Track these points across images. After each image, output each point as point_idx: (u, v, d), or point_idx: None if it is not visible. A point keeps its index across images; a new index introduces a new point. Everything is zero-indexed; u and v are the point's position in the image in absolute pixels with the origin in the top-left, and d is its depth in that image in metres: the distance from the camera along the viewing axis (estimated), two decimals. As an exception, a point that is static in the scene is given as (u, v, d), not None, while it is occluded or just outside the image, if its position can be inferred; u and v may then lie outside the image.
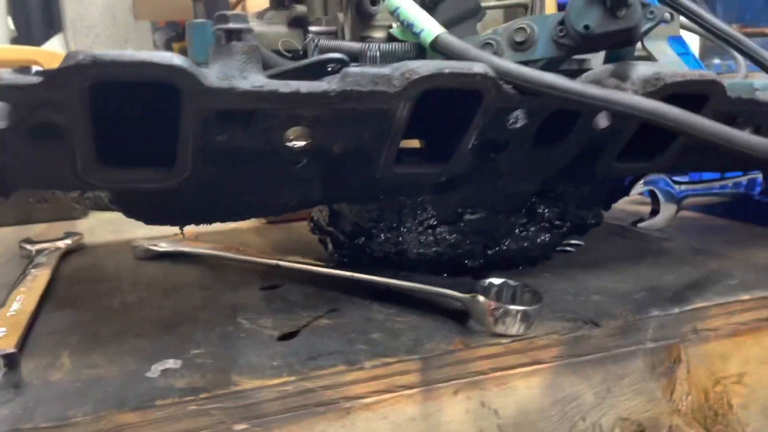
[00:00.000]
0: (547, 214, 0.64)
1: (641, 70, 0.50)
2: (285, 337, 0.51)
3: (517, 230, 0.63)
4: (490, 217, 0.58)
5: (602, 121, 0.48)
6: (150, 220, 0.51)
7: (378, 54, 0.50)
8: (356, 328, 0.51)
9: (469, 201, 0.57)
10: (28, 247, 0.84)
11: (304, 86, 0.41)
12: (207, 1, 0.62)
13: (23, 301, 0.61)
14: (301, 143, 0.44)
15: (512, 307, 0.48)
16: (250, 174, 0.49)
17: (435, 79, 0.42)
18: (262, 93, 0.40)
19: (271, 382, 0.43)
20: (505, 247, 0.62)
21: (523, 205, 0.60)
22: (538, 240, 0.64)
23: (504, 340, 0.48)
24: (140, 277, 0.71)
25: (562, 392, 0.50)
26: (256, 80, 0.40)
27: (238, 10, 0.43)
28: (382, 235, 0.59)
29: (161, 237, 0.83)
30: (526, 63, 0.50)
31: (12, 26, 1.38)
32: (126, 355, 0.49)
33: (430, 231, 0.58)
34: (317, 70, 0.49)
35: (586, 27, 0.45)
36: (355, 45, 0.51)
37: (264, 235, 0.90)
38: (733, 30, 0.56)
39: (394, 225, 0.59)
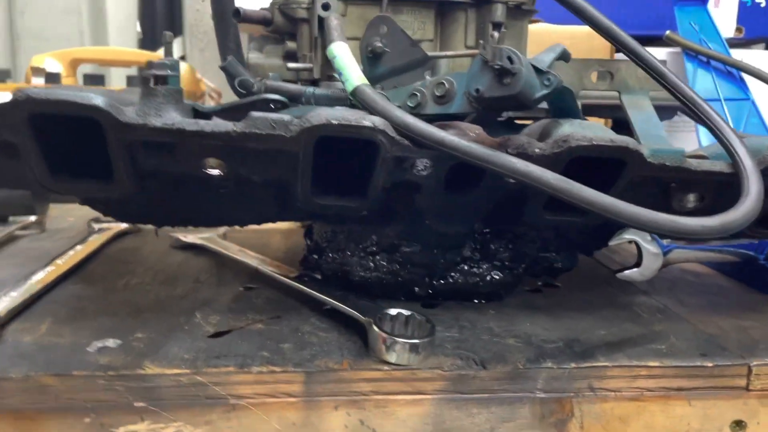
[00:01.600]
0: (500, 253, 0.66)
1: (562, 129, 0.52)
2: (215, 335, 0.59)
3: (465, 266, 0.66)
4: (425, 252, 0.62)
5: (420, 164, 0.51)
6: (118, 216, 0.61)
7: (313, 97, 0.56)
8: (277, 335, 0.58)
9: (404, 234, 0.61)
10: (94, 225, 0.99)
11: (209, 126, 0.48)
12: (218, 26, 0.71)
13: (49, 272, 0.74)
14: (216, 171, 0.51)
15: (400, 339, 0.53)
16: (194, 191, 0.57)
17: (326, 129, 0.48)
18: (171, 130, 0.47)
19: (170, 371, 0.51)
20: (452, 280, 0.66)
21: (460, 244, 0.63)
22: (489, 278, 0.66)
23: (386, 367, 0.52)
24: (158, 263, 0.83)
25: (444, 425, 0.53)
26: (168, 119, 0.48)
27: (168, 58, 0.50)
28: (331, 254, 0.65)
29: (195, 230, 0.94)
30: (448, 116, 0.54)
31: (139, 29, 1.58)
32: (88, 330, 0.59)
33: (370, 257, 0.63)
34: (261, 107, 0.56)
35: (477, 90, 0.48)
36: (296, 87, 0.57)
37: (289, 237, 0.99)
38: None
39: (341, 247, 0.64)
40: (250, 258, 0.79)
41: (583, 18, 0.58)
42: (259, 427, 0.52)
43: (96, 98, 0.46)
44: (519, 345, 0.57)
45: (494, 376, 0.53)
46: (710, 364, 0.54)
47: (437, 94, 0.53)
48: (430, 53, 0.59)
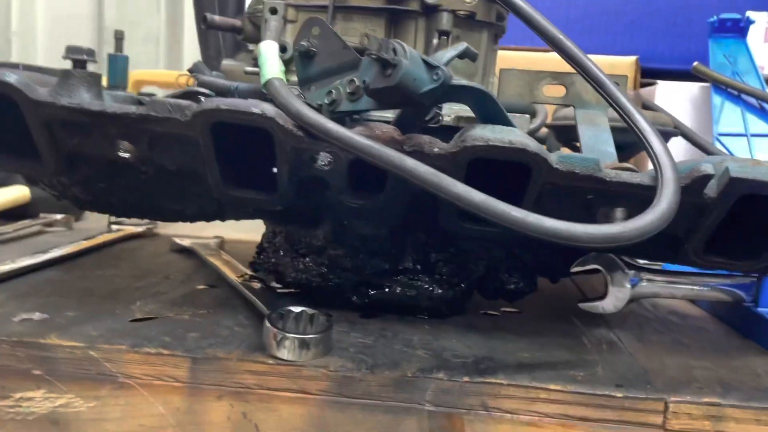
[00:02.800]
0: (441, 266, 0.64)
1: (470, 131, 0.51)
2: (137, 320, 0.60)
3: (404, 277, 0.64)
4: (351, 256, 0.61)
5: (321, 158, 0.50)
6: (73, 202, 0.65)
7: (237, 92, 0.58)
8: (193, 326, 0.59)
9: (331, 236, 0.61)
10: (112, 226, 1.05)
11: (111, 108, 0.50)
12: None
13: (38, 259, 0.80)
14: (127, 155, 0.53)
15: (290, 334, 0.52)
16: (127, 179, 0.60)
17: (218, 113, 0.49)
18: (77, 109, 0.50)
19: (67, 344, 0.53)
20: (389, 291, 0.64)
21: (388, 250, 0.61)
22: (430, 292, 0.64)
23: (271, 361, 0.51)
24: (144, 261, 0.87)
25: (327, 427, 0.51)
26: (77, 99, 0.51)
27: (86, 47, 0.54)
28: (270, 254, 0.66)
29: (196, 236, 0.98)
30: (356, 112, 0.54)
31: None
32: (29, 304, 0.62)
33: (300, 258, 0.63)
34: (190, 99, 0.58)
35: (364, 82, 0.48)
36: (226, 82, 0.59)
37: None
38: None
39: (278, 248, 0.65)
40: (221, 262, 0.81)
41: (522, 18, 0.56)
42: (144, 408, 0.52)
43: (9, 76, 0.49)
44: (425, 357, 0.54)
45: (381, 382, 0.51)
46: (620, 395, 0.49)
47: (348, 90, 0.53)
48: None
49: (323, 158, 0.52)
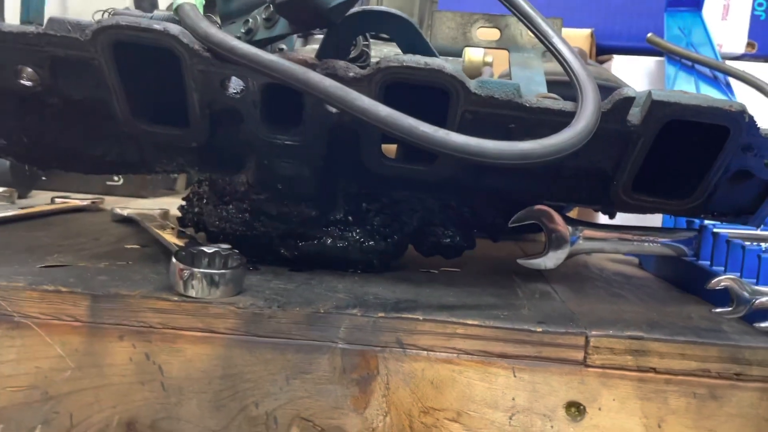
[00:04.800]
0: (372, 217, 0.61)
1: (385, 57, 0.48)
2: (46, 267, 0.57)
3: (334, 228, 0.61)
4: (275, 202, 0.58)
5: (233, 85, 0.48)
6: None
7: (152, 17, 0.55)
8: (104, 271, 0.56)
9: (253, 182, 0.58)
10: (57, 200, 1.02)
11: (6, 27, 0.48)
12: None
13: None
14: (30, 83, 0.50)
15: (197, 269, 0.49)
16: (39, 116, 0.57)
17: (117, 30, 0.46)
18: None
19: (-39, 282, 0.50)
20: (318, 243, 0.61)
21: (314, 196, 0.59)
22: (361, 243, 0.61)
23: (175, 298, 0.48)
24: (81, 228, 0.83)
25: (235, 368, 0.48)
26: (-28, 19, 0.48)
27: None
28: (195, 205, 0.63)
29: (139, 207, 0.94)
30: (272, 40, 0.51)
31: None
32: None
33: (223, 206, 0.60)
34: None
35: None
36: (139, 13, 0.56)
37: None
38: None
39: (201, 196, 0.62)
40: (158, 228, 0.78)
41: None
42: (41, 350, 0.49)
43: None
44: (344, 298, 0.52)
45: (292, 319, 0.48)
46: (539, 330, 0.46)
47: (263, 17, 0.51)
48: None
49: (235, 85, 0.50)
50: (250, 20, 0.52)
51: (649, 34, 0.97)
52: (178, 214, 0.71)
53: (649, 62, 1.01)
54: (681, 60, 0.93)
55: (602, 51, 1.09)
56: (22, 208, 0.90)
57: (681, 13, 1.00)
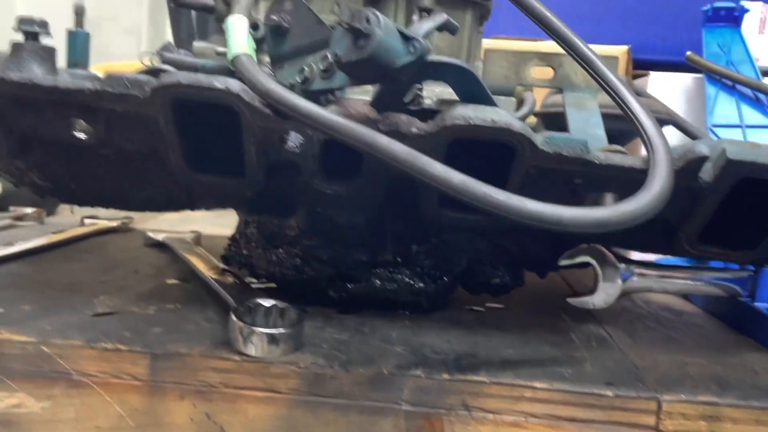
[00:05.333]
0: (421, 259, 0.60)
1: (452, 111, 0.47)
2: (97, 315, 0.56)
3: (383, 270, 0.60)
4: (326, 247, 0.57)
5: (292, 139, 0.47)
6: (33, 190, 0.61)
7: (203, 69, 0.54)
8: (158, 321, 0.55)
9: (304, 226, 0.57)
10: (86, 220, 1.01)
11: (64, 83, 0.47)
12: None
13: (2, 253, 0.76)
14: (83, 135, 0.49)
15: (258, 328, 0.48)
16: (87, 164, 0.56)
17: (179, 88, 0.45)
18: (28, 84, 0.46)
19: (18, 338, 0.49)
20: (367, 285, 0.60)
21: (365, 240, 0.58)
22: (410, 286, 0.60)
23: (236, 357, 0.48)
24: (115, 255, 0.83)
25: (297, 430, 0.48)
26: (27, 73, 0.47)
27: (39, 18, 0.50)
28: (242, 246, 0.62)
29: (171, 231, 0.94)
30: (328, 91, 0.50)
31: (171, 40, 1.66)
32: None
33: (273, 250, 0.59)
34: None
35: (336, 55, 0.44)
36: (192, 60, 0.55)
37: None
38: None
39: (250, 239, 0.61)
40: (194, 256, 0.77)
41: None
42: (101, 409, 0.49)
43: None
44: (403, 353, 0.51)
45: (355, 380, 0.47)
46: (611, 394, 0.45)
47: (321, 68, 0.50)
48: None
49: (294, 139, 0.49)
50: (306, 69, 0.51)
51: (688, 53, 0.95)
52: (221, 247, 0.70)
53: (686, 79, 0.99)
54: (721, 80, 0.92)
55: (638, 65, 1.07)
56: (54, 233, 0.90)
57: (720, 29, 0.98)
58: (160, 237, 0.90)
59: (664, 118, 0.71)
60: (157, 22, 1.78)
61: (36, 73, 0.47)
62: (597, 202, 0.49)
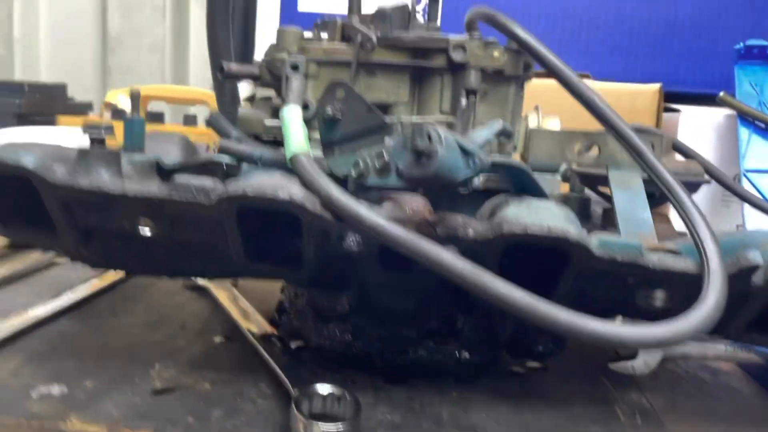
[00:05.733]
0: (467, 331, 0.62)
1: (506, 211, 0.49)
2: (158, 392, 0.58)
3: (430, 341, 0.62)
4: (377, 325, 0.59)
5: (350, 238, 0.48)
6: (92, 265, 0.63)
7: (260, 160, 0.55)
8: (215, 399, 0.57)
9: (355, 304, 0.59)
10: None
11: (132, 190, 0.48)
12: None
13: (50, 306, 0.78)
14: (148, 231, 0.51)
15: (321, 424, 0.50)
16: (144, 245, 0.57)
17: (244, 199, 0.47)
18: (97, 191, 0.48)
19: (90, 429, 0.51)
20: (414, 357, 0.62)
21: (415, 319, 0.59)
22: (457, 357, 0.62)
23: (299, 450, 0.50)
24: (159, 303, 0.85)
25: None
26: (96, 180, 0.49)
27: (104, 122, 0.51)
28: (292, 316, 0.64)
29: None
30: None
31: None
32: (45, 371, 0.61)
33: (323, 325, 0.61)
34: (214, 168, 0.56)
35: (397, 168, 0.46)
36: (248, 149, 0.57)
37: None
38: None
39: (301, 310, 0.63)
40: (236, 310, 0.79)
41: (556, 77, 0.54)
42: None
43: (25, 157, 0.47)
44: (454, 436, 0.53)
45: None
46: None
47: (377, 165, 0.51)
48: (391, 117, 0.57)
49: (352, 238, 0.50)
50: (361, 163, 0.52)
51: (720, 94, 0.95)
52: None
53: (718, 116, 1.00)
54: (755, 121, 0.92)
55: (669, 98, 1.07)
56: (96, 276, 0.92)
57: (752, 67, 0.98)
58: (200, 281, 0.92)
59: (702, 181, 0.72)
60: (181, 40, 1.79)
61: (104, 178, 0.49)
62: (647, 296, 0.50)
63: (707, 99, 1.07)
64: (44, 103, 1.38)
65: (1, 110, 1.32)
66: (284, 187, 0.47)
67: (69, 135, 1.08)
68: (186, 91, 1.44)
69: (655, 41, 1.08)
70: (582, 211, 0.66)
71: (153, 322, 0.77)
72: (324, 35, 0.64)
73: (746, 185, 0.87)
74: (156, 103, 1.45)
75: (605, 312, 0.48)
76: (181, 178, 0.48)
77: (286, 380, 0.56)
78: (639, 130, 0.59)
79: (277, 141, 0.64)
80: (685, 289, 0.49)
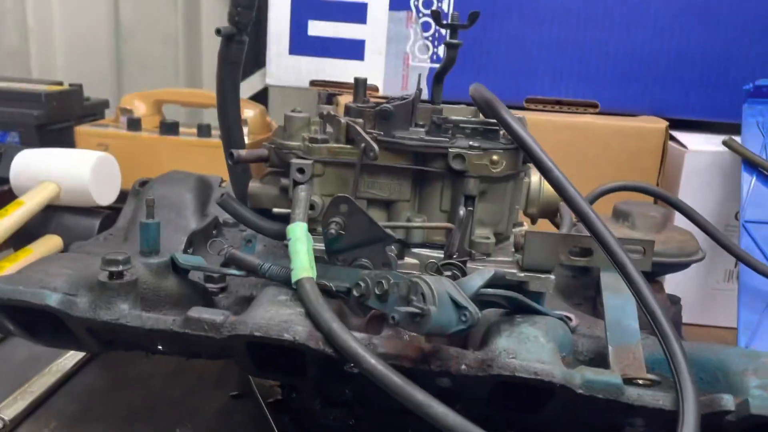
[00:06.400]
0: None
1: (496, 343, 0.52)
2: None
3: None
4: (379, 415, 0.64)
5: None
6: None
7: (267, 272, 0.59)
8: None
9: (358, 395, 0.63)
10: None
11: (149, 323, 0.52)
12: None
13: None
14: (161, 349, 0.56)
15: None
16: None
17: (252, 337, 0.51)
18: (115, 325, 0.52)
19: None
20: (413, 434, 0.67)
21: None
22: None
23: None
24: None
25: None
26: (115, 313, 0.53)
27: (122, 255, 0.55)
28: (296, 395, 0.69)
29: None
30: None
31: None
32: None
33: (328, 408, 0.66)
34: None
35: (393, 318, 0.49)
36: (254, 261, 0.60)
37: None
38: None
39: (306, 394, 0.68)
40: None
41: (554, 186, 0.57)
42: None
43: (50, 297, 0.51)
44: None
45: None
46: None
47: (377, 291, 0.54)
48: (391, 225, 0.60)
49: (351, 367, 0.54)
50: (362, 284, 0.56)
51: (725, 138, 0.95)
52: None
53: (724, 159, 1.00)
54: (759, 169, 0.93)
55: (674, 124, 1.08)
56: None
57: (761, 106, 0.97)
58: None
59: (697, 259, 0.74)
60: (193, 31, 1.79)
61: (122, 309, 0.53)
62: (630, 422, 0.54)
63: (716, 127, 1.08)
64: (62, 110, 1.41)
65: (21, 121, 1.35)
66: (289, 327, 0.51)
67: (86, 160, 1.11)
68: (201, 95, 1.46)
69: (666, 71, 1.08)
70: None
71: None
72: (330, 129, 0.66)
73: (744, 237, 0.88)
74: (169, 107, 1.47)
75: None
76: (192, 313, 0.52)
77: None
78: (626, 242, 0.61)
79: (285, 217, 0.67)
80: (662, 419, 0.53)
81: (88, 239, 0.89)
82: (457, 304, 0.48)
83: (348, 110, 0.68)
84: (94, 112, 1.53)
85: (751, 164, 0.94)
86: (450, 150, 0.61)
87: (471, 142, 0.62)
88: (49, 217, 1.13)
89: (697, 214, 0.85)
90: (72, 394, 0.76)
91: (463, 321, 0.48)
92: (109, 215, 1.15)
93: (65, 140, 1.37)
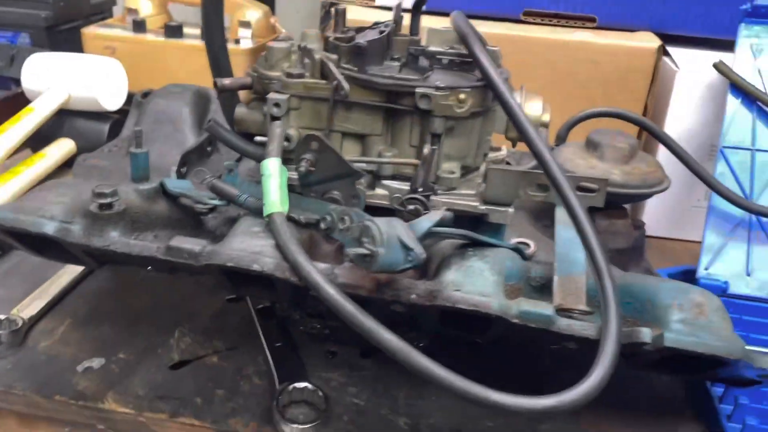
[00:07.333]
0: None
1: (444, 276, 0.58)
2: (174, 366, 0.73)
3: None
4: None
5: None
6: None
7: (245, 203, 0.64)
8: (219, 377, 0.71)
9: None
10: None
11: (136, 249, 0.59)
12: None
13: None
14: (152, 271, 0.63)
15: (293, 425, 0.64)
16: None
17: (225, 267, 0.57)
18: (107, 250, 0.59)
19: (121, 410, 0.67)
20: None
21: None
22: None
23: (278, 438, 0.65)
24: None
25: (324, 485, 0.66)
26: (107, 240, 0.59)
27: (112, 188, 0.60)
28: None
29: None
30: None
31: None
32: (88, 342, 0.76)
33: (309, 318, 0.74)
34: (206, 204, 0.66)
35: (348, 255, 0.54)
36: (234, 192, 0.65)
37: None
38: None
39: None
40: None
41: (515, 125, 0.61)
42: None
43: (47, 225, 0.58)
44: (405, 428, 0.67)
45: (365, 461, 0.64)
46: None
47: (340, 227, 0.60)
48: (359, 160, 0.65)
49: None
50: (328, 218, 0.61)
51: (717, 61, 0.95)
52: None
53: (714, 81, 1.00)
54: (744, 93, 0.93)
55: (671, 40, 1.07)
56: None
57: (758, 27, 0.96)
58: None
59: (662, 189, 0.78)
60: None
61: (113, 237, 0.59)
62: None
63: (705, 42, 1.07)
64: (70, 10, 1.43)
65: (30, 23, 1.38)
66: (258, 258, 0.57)
67: (94, 67, 1.15)
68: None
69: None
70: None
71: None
72: (307, 60, 0.69)
73: (720, 162, 0.91)
74: (175, 6, 1.47)
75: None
76: (174, 243, 0.58)
77: (275, 372, 0.70)
78: (583, 179, 0.65)
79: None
80: (592, 342, 0.59)
81: (97, 146, 0.97)
82: (404, 245, 0.53)
83: (326, 43, 0.71)
84: (102, 10, 1.54)
85: (738, 89, 0.94)
86: (417, 90, 0.64)
87: (438, 82, 0.65)
88: (62, 120, 1.19)
89: (670, 139, 0.87)
90: (84, 296, 0.85)
91: (410, 260, 0.53)
92: (118, 120, 1.21)
93: (74, 41, 1.39)
